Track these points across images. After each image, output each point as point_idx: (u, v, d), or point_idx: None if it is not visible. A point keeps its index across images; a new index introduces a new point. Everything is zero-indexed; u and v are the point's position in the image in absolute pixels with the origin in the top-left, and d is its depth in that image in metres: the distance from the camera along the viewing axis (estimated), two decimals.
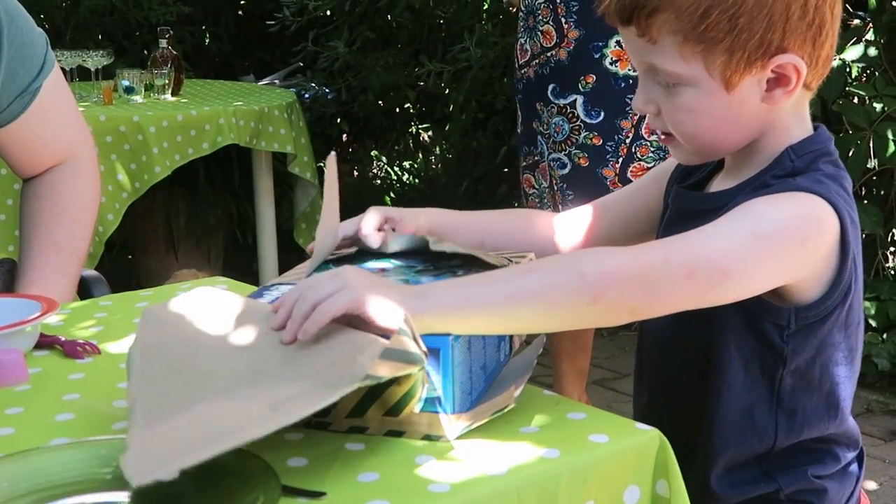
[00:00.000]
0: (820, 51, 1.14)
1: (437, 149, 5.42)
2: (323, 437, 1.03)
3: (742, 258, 1.06)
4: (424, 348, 0.96)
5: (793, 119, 1.18)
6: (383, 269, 1.21)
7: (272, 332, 1.01)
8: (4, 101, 1.65)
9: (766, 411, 1.18)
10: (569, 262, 1.05)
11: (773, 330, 1.15)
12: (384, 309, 0.96)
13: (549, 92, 2.54)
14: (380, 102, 4.93)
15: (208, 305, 1.08)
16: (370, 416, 1.03)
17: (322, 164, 5.07)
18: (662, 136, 1.22)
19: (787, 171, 1.16)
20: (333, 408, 1.04)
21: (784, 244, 1.09)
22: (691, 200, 1.25)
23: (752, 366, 1.17)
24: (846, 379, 1.19)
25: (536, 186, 2.67)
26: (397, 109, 5.18)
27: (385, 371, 0.93)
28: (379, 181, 5.52)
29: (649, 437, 1.04)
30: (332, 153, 1.22)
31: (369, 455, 1.00)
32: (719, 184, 1.25)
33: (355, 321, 0.98)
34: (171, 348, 1.02)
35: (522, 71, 2.62)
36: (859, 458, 1.27)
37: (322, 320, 0.96)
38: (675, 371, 1.27)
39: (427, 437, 1.02)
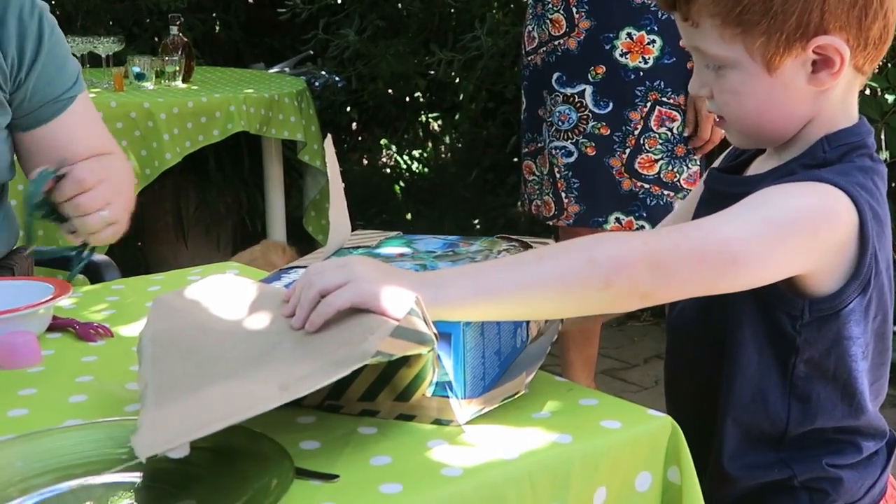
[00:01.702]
0: (868, 32, 1.13)
1: (447, 138, 5.42)
2: (335, 421, 1.03)
3: (753, 246, 1.06)
4: (435, 330, 0.96)
5: (839, 107, 1.18)
6: (402, 254, 1.22)
7: (284, 317, 1.01)
8: (34, 103, 1.66)
9: (779, 396, 1.18)
10: (580, 247, 1.05)
11: (786, 320, 1.14)
12: (393, 299, 0.97)
13: (553, 80, 2.53)
14: (390, 91, 4.92)
15: (221, 292, 1.08)
16: (381, 400, 1.03)
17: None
18: (718, 119, 1.23)
19: (818, 162, 1.16)
20: (345, 391, 1.04)
21: (796, 234, 1.08)
22: (723, 183, 1.26)
23: (765, 352, 1.17)
24: (865, 372, 1.19)
25: (537, 173, 2.66)
26: (407, 98, 5.17)
27: (395, 349, 0.93)
28: (388, 170, 5.52)
29: (661, 424, 1.04)
30: (328, 137, 1.23)
31: (382, 438, 1.00)
32: (755, 168, 1.26)
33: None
34: (183, 333, 1.02)
35: (529, 58, 2.61)
36: (889, 448, 1.26)
37: (328, 312, 0.97)
38: (694, 352, 1.27)
39: (437, 422, 1.02)
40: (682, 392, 1.31)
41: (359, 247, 1.26)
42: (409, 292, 0.97)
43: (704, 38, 1.15)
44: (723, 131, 1.26)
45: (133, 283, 1.55)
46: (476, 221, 4.73)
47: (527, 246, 1.24)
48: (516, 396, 1.05)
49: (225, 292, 1.08)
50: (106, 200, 1.48)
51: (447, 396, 1.02)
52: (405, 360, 1.00)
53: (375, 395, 1.04)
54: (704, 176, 1.31)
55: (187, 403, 0.92)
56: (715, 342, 1.21)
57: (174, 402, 0.92)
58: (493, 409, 1.04)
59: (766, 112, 1.17)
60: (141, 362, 1.00)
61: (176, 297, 1.09)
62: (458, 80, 4.60)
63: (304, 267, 1.17)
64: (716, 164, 1.33)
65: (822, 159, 1.16)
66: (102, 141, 1.78)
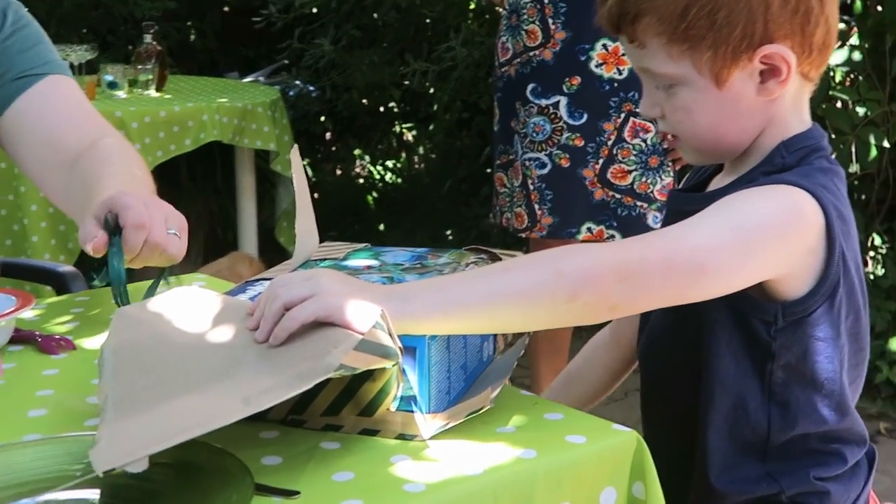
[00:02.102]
0: (811, 38, 1.14)
1: (421, 148, 5.42)
2: (298, 436, 1.02)
3: (720, 253, 1.06)
4: (400, 344, 0.96)
5: (791, 114, 1.18)
6: (369, 266, 1.21)
7: (248, 330, 1.00)
8: None
9: (759, 404, 1.17)
10: (547, 259, 1.05)
11: (761, 326, 1.14)
12: (358, 313, 0.96)
13: (528, 91, 2.53)
14: (364, 101, 4.92)
15: (186, 304, 1.07)
16: (344, 414, 1.02)
17: (304, 162, 5.06)
18: (671, 138, 1.22)
19: (778, 167, 1.16)
20: (309, 405, 1.03)
21: (763, 238, 1.08)
22: (686, 201, 1.25)
23: (742, 360, 1.17)
24: (841, 374, 1.18)
25: (508, 186, 2.66)
26: (381, 108, 5.17)
27: (360, 363, 0.92)
28: (362, 180, 5.51)
29: (626, 439, 1.04)
30: (295, 147, 1.23)
31: (345, 454, 0.99)
32: (716, 183, 1.25)
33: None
34: (146, 346, 1.01)
35: (503, 69, 2.61)
36: (869, 460, 1.26)
37: (291, 326, 0.96)
38: (670, 370, 1.27)
39: (401, 437, 1.02)
40: (661, 412, 1.30)
41: (326, 259, 1.25)
42: (374, 305, 0.96)
43: (652, 57, 1.15)
44: None
45: (99, 294, 1.54)
46: (449, 232, 4.72)
47: (495, 258, 1.24)
48: (482, 411, 1.05)
49: (189, 305, 1.07)
50: (164, 216, 1.30)
51: (412, 411, 1.01)
52: (369, 374, 0.99)
53: (339, 410, 1.03)
54: (667, 199, 1.31)
55: (147, 417, 0.91)
56: (690, 356, 1.20)
57: (134, 415, 0.91)
58: (458, 423, 1.04)
59: (719, 126, 1.17)
60: (101, 375, 0.99)
61: (140, 309, 1.08)
62: (432, 91, 4.59)
63: (270, 279, 1.16)
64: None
65: (782, 164, 1.16)
66: (94, 123, 1.62)
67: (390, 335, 0.95)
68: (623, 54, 2.45)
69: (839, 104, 3.39)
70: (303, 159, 4.93)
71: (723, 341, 1.17)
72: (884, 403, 3.34)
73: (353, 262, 1.22)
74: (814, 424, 1.19)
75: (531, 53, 2.52)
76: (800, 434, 1.19)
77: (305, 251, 1.24)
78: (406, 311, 0.98)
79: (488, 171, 4.56)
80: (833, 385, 1.18)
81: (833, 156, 1.20)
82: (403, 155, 5.49)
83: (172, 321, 1.05)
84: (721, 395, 1.18)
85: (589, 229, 2.53)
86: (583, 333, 3.87)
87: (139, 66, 3.55)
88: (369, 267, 1.19)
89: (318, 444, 1.01)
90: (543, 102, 2.51)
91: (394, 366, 0.97)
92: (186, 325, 1.04)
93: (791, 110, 1.18)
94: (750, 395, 1.17)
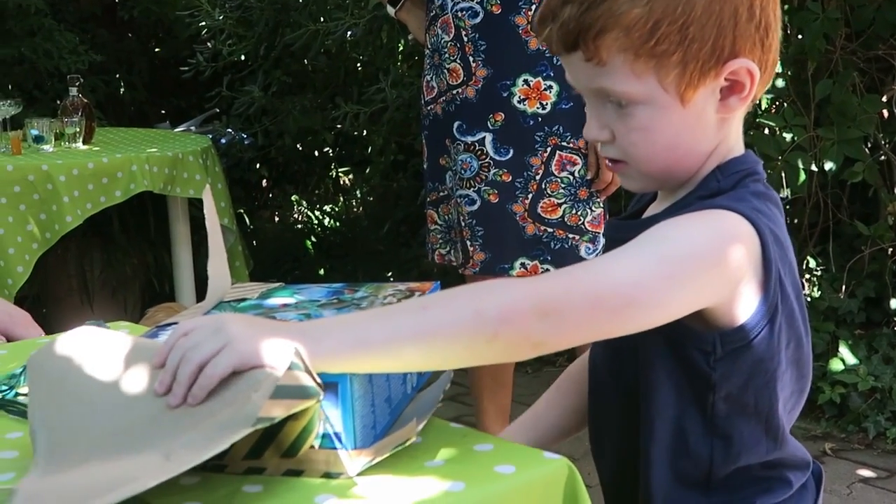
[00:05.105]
0: (768, 54, 1.11)
1: (358, 192, 5.40)
2: (219, 481, 0.99)
3: (649, 284, 1.01)
4: (320, 381, 0.93)
5: (734, 138, 1.15)
6: (285, 304, 1.19)
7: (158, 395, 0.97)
8: None
9: (701, 437, 1.13)
10: (466, 297, 1.01)
11: (700, 356, 1.10)
12: (273, 353, 0.92)
13: (454, 129, 2.53)
14: (298, 146, 4.90)
15: (95, 348, 1.04)
16: (267, 457, 1.00)
17: (241, 210, 5.02)
18: (610, 164, 1.17)
19: (712, 191, 1.12)
20: (229, 450, 1.00)
21: (695, 266, 1.04)
22: (622, 229, 1.19)
23: (683, 392, 1.12)
24: (784, 403, 1.15)
25: (440, 222, 2.66)
26: (316, 153, 5.15)
27: (278, 411, 0.90)
28: (300, 226, 5.48)
29: (557, 467, 1.02)
30: (207, 186, 1.20)
31: (267, 497, 0.96)
32: (652, 209, 1.21)
33: None
34: (66, 400, 0.98)
35: (429, 108, 2.62)
36: (816, 479, 1.23)
37: (209, 384, 0.92)
38: (611, 401, 1.23)
39: (327, 475, 0.99)
40: (608, 456, 1.26)
41: (243, 299, 1.23)
42: (288, 343, 0.93)
43: (611, 75, 1.09)
44: None
45: (17, 347, 1.49)
46: (389, 274, 4.70)
47: (413, 291, 1.22)
48: (407, 444, 1.02)
49: (100, 348, 1.04)
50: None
51: (336, 448, 0.99)
52: (291, 414, 0.96)
53: (261, 453, 1.00)
54: (605, 227, 1.28)
55: (71, 476, 0.88)
56: (629, 389, 1.16)
57: (58, 473, 0.89)
58: (386, 458, 1.01)
59: (676, 147, 1.12)
60: (35, 449, 0.95)
61: (48, 357, 1.04)
62: (366, 134, 4.59)
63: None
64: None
65: (717, 188, 1.12)
66: None
67: (309, 373, 0.93)
68: (545, 89, 2.46)
69: (766, 130, 3.44)
70: (240, 207, 4.90)
71: (662, 372, 1.12)
72: (828, 424, 3.35)
73: (270, 301, 1.20)
74: (756, 457, 1.15)
75: (454, 91, 2.53)
76: (742, 466, 1.15)
77: (218, 293, 1.21)
78: (319, 350, 0.94)
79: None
80: (776, 415, 1.14)
81: (765, 176, 1.18)
82: (341, 199, 5.47)
83: (88, 371, 1.01)
84: (661, 428, 1.14)
85: (523, 265, 2.52)
86: (528, 369, 3.86)
87: (66, 120, 3.51)
88: (286, 305, 1.17)
89: (240, 487, 0.98)
90: (469, 139, 2.51)
91: (316, 403, 0.94)
92: (104, 375, 1.00)
93: (735, 133, 1.15)
94: (690, 426, 1.13)
